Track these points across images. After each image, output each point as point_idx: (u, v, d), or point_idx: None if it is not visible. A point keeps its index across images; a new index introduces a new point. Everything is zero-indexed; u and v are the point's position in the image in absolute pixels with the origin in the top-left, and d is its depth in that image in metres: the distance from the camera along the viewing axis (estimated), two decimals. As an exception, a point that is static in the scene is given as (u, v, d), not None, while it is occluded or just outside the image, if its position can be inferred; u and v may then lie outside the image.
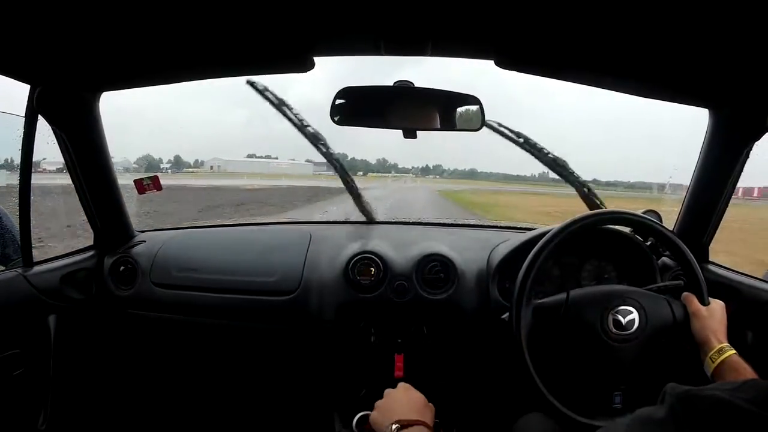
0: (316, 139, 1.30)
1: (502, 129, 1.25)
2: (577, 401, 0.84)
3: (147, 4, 0.71)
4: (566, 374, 0.89)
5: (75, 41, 0.83)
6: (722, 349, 0.79)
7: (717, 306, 0.87)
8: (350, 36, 0.89)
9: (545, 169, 1.35)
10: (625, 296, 0.87)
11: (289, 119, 1.28)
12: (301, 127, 1.29)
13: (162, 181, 1.30)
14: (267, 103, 1.25)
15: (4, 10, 0.69)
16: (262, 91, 1.24)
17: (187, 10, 0.74)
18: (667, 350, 0.88)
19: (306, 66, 0.94)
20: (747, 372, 0.75)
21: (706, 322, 0.84)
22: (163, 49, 0.90)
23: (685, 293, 0.89)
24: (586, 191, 1.26)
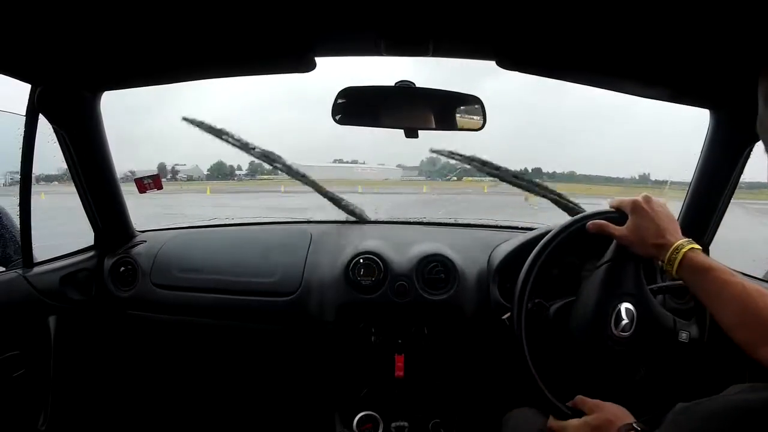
0: (267, 158, 1.38)
1: (454, 156, 1.34)
2: None
3: (148, 4, 0.71)
4: (567, 375, 0.89)
5: (76, 40, 0.83)
6: (677, 247, 0.70)
7: (636, 216, 0.76)
8: (351, 36, 0.89)
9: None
10: (625, 296, 0.87)
11: (232, 144, 1.35)
12: (247, 148, 1.36)
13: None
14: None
15: (5, 10, 0.69)
16: (199, 125, 1.32)
17: (189, 10, 0.74)
18: (668, 349, 0.88)
19: (307, 66, 0.94)
20: (714, 270, 0.67)
21: (636, 229, 0.75)
22: (164, 48, 0.90)
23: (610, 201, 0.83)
24: (556, 198, 1.31)
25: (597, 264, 1.02)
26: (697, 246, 0.71)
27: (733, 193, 1.08)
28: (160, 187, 1.29)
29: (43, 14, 0.72)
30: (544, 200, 1.35)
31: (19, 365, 1.01)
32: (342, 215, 1.46)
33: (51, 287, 1.10)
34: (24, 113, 1.02)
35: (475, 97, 0.99)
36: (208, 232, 1.43)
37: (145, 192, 1.27)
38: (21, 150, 1.03)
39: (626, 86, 0.98)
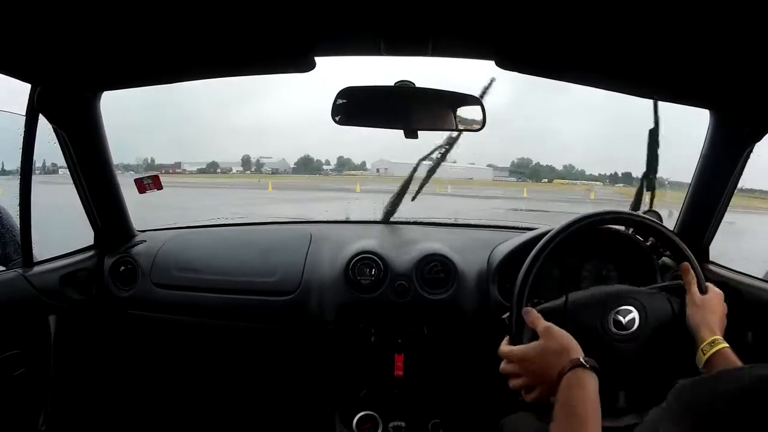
0: None
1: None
2: None
3: (148, 4, 0.71)
4: None
5: (76, 40, 0.83)
6: (714, 341, 0.75)
7: (714, 296, 0.83)
8: (351, 36, 0.90)
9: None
10: (625, 296, 0.87)
11: None
12: None
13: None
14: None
15: (5, 10, 0.69)
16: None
17: (189, 10, 0.74)
18: (670, 347, 0.88)
19: (307, 66, 0.94)
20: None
21: (701, 311, 0.80)
22: (164, 48, 0.90)
23: (684, 263, 0.86)
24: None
25: (597, 263, 1.02)
26: (727, 346, 0.75)
27: (733, 193, 1.07)
28: (159, 187, 1.29)
29: (43, 14, 0.72)
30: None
31: (19, 365, 1.01)
32: (342, 215, 1.46)
33: (51, 287, 1.10)
34: (24, 113, 1.02)
35: (475, 97, 0.99)
36: (208, 232, 1.43)
37: (144, 192, 1.27)
38: (21, 149, 1.03)
39: (626, 86, 0.98)
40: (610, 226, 1.06)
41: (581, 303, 0.89)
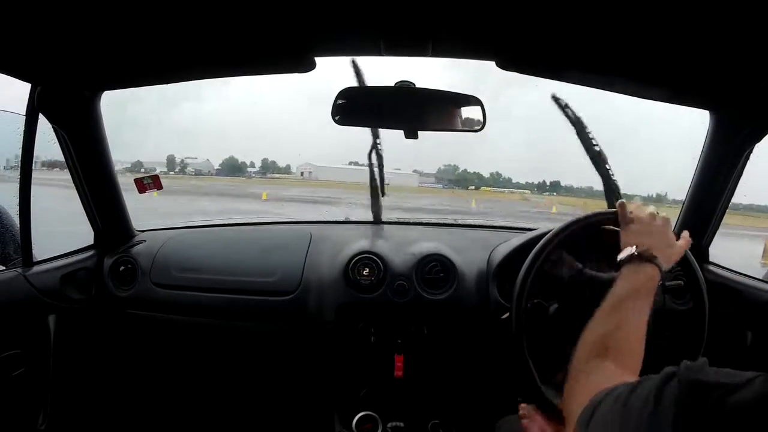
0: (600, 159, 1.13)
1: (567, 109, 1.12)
2: None
3: (148, 4, 0.71)
4: (566, 375, 0.89)
5: (76, 40, 0.83)
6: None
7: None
8: (351, 36, 0.89)
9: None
10: None
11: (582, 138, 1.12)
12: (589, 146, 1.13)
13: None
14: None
15: (5, 10, 0.69)
16: (563, 107, 1.12)
17: (189, 10, 0.74)
18: (668, 346, 0.88)
19: (307, 66, 0.94)
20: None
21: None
22: (164, 48, 0.90)
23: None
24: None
25: (597, 263, 1.02)
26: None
27: (732, 194, 1.07)
28: (159, 187, 1.29)
29: (43, 14, 0.72)
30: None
31: (19, 364, 1.01)
32: (342, 215, 1.46)
33: (51, 286, 1.10)
34: (24, 113, 1.02)
35: (476, 97, 0.99)
36: (208, 232, 1.43)
37: (144, 192, 1.27)
38: (21, 149, 1.03)
39: (626, 87, 0.98)
40: (610, 226, 1.06)
41: (581, 302, 0.89)
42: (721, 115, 1.01)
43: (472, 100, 0.99)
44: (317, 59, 0.93)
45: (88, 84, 1.06)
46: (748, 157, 1.03)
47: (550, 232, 0.93)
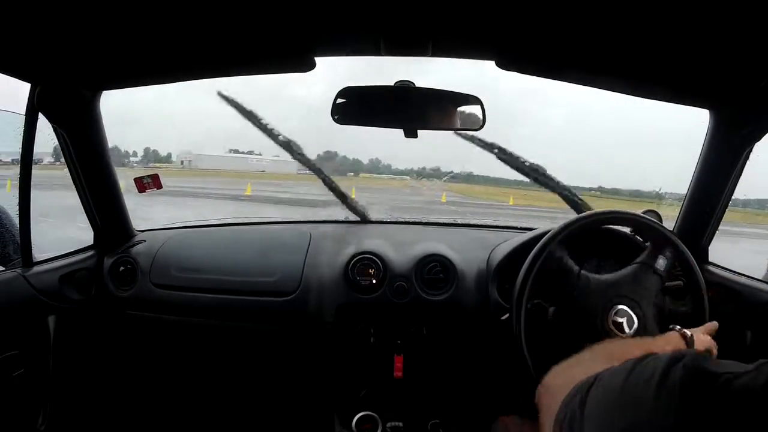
0: (290, 147, 1.33)
1: (476, 139, 1.29)
2: None
3: (148, 3, 0.71)
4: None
5: (76, 39, 0.83)
6: None
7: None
8: (351, 36, 0.89)
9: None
10: (624, 297, 0.87)
11: (258, 128, 1.31)
12: (272, 134, 1.32)
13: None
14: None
15: (5, 9, 0.69)
16: (232, 101, 1.27)
17: (189, 9, 0.74)
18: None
19: (307, 66, 0.94)
20: None
21: None
22: (163, 47, 0.90)
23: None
24: (567, 194, 1.30)
25: (596, 263, 1.02)
26: None
27: (732, 193, 1.07)
28: (159, 186, 1.29)
29: (43, 13, 0.72)
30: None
31: (19, 365, 1.01)
32: (342, 215, 1.46)
33: (50, 287, 1.10)
34: (24, 112, 1.02)
35: (475, 97, 0.99)
36: (208, 232, 1.43)
37: (144, 191, 1.27)
38: (21, 149, 1.03)
39: (626, 86, 0.98)
40: (609, 226, 1.06)
41: (581, 303, 0.89)
42: (721, 115, 1.01)
43: (472, 99, 0.99)
44: (317, 59, 0.93)
45: (88, 83, 1.06)
46: (747, 157, 1.02)
47: (550, 232, 0.93)
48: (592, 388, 0.43)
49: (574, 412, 0.42)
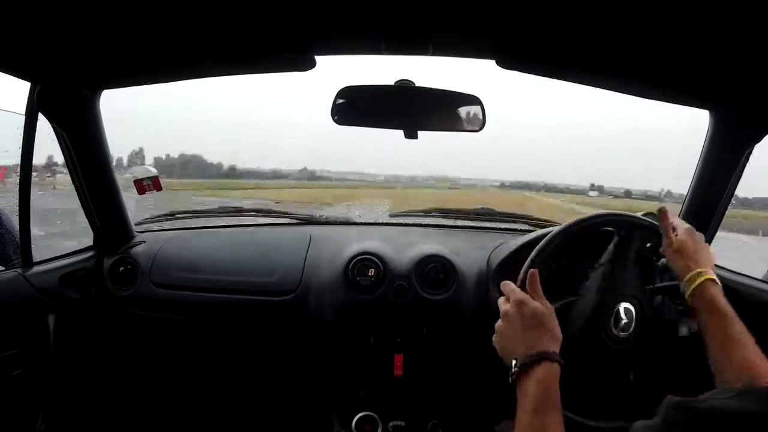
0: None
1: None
2: (579, 403, 0.84)
3: (148, 2, 0.71)
4: (567, 376, 0.89)
5: (75, 38, 0.83)
6: (700, 273, 0.78)
7: (683, 232, 0.84)
8: (351, 35, 0.90)
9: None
10: (624, 297, 0.87)
11: None
12: None
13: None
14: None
15: (4, 8, 0.69)
16: None
17: (188, 8, 0.74)
18: (668, 349, 0.88)
19: (307, 65, 0.94)
20: (721, 311, 0.74)
21: (679, 253, 0.82)
22: (163, 46, 0.90)
23: (663, 209, 0.87)
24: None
25: (596, 264, 1.02)
26: (712, 277, 0.77)
27: (733, 193, 1.07)
28: (159, 188, 1.28)
29: (43, 12, 0.72)
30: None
31: (18, 364, 1.01)
32: (342, 216, 1.46)
33: (50, 286, 1.10)
34: (23, 112, 1.02)
35: (476, 97, 0.99)
36: (208, 232, 1.43)
37: (144, 193, 1.27)
38: (20, 149, 1.03)
39: (626, 86, 0.98)
40: (609, 227, 1.06)
41: (581, 303, 0.89)
42: (721, 115, 1.01)
43: (472, 100, 0.99)
44: (317, 58, 0.93)
45: (88, 82, 1.06)
46: (748, 157, 1.02)
47: (551, 233, 0.93)
48: None
49: None
